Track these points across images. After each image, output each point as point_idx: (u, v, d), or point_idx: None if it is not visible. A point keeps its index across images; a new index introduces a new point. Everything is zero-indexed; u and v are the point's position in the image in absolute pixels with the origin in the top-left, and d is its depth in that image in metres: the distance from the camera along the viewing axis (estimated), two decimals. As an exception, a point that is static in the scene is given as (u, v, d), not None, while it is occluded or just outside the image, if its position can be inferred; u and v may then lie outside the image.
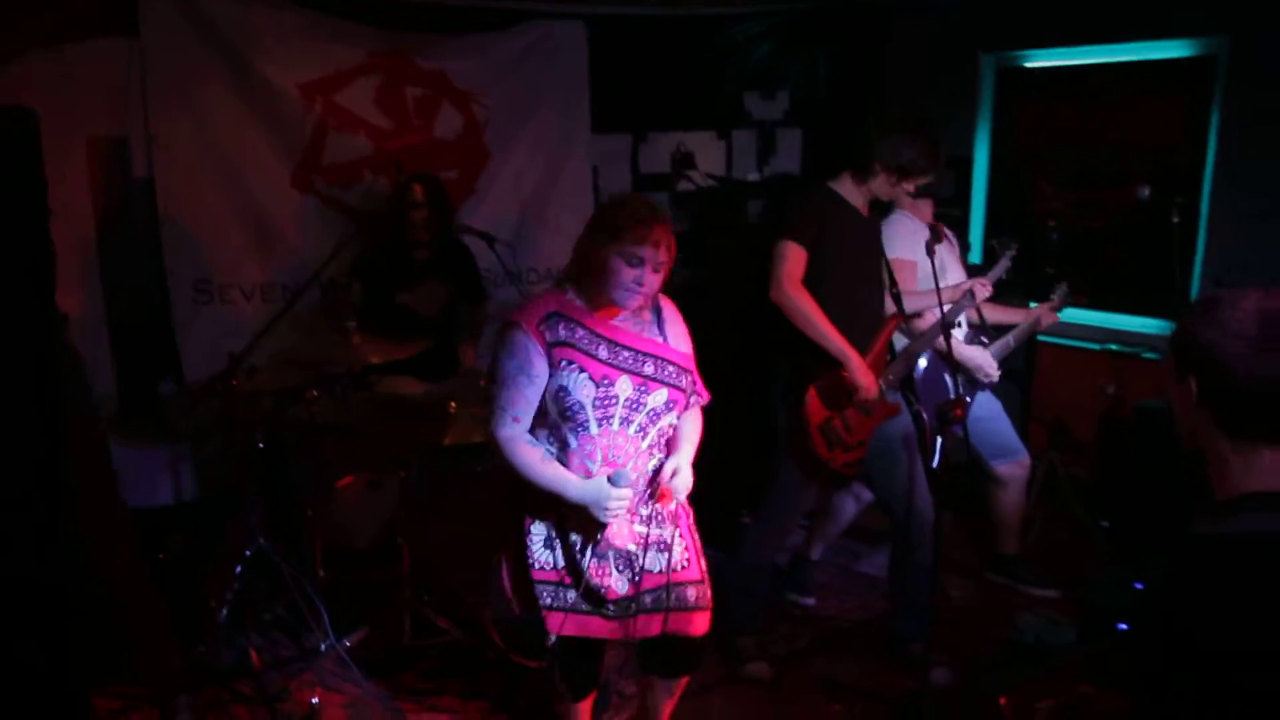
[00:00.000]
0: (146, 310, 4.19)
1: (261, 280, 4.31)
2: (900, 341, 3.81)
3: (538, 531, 2.53)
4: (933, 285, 3.31)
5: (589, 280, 2.46)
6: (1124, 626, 2.76)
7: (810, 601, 4.08)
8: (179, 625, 3.05)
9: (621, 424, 2.46)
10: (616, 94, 5.15)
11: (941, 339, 3.42)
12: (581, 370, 2.41)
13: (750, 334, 3.76)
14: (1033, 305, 4.15)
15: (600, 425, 2.44)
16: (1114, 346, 4.93)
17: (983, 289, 3.64)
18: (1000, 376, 4.09)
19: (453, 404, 3.48)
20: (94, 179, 4.07)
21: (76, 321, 3.70)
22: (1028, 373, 4.99)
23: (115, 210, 4.13)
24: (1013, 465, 4.05)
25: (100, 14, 3.87)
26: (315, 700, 3.18)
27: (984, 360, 3.90)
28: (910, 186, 3.36)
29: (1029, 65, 5.33)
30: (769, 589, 3.75)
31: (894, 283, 3.40)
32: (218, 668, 3.34)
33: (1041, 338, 4.68)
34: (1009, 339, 4.02)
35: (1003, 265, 3.82)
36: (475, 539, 3.36)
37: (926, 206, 3.91)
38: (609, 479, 2.36)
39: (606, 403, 2.43)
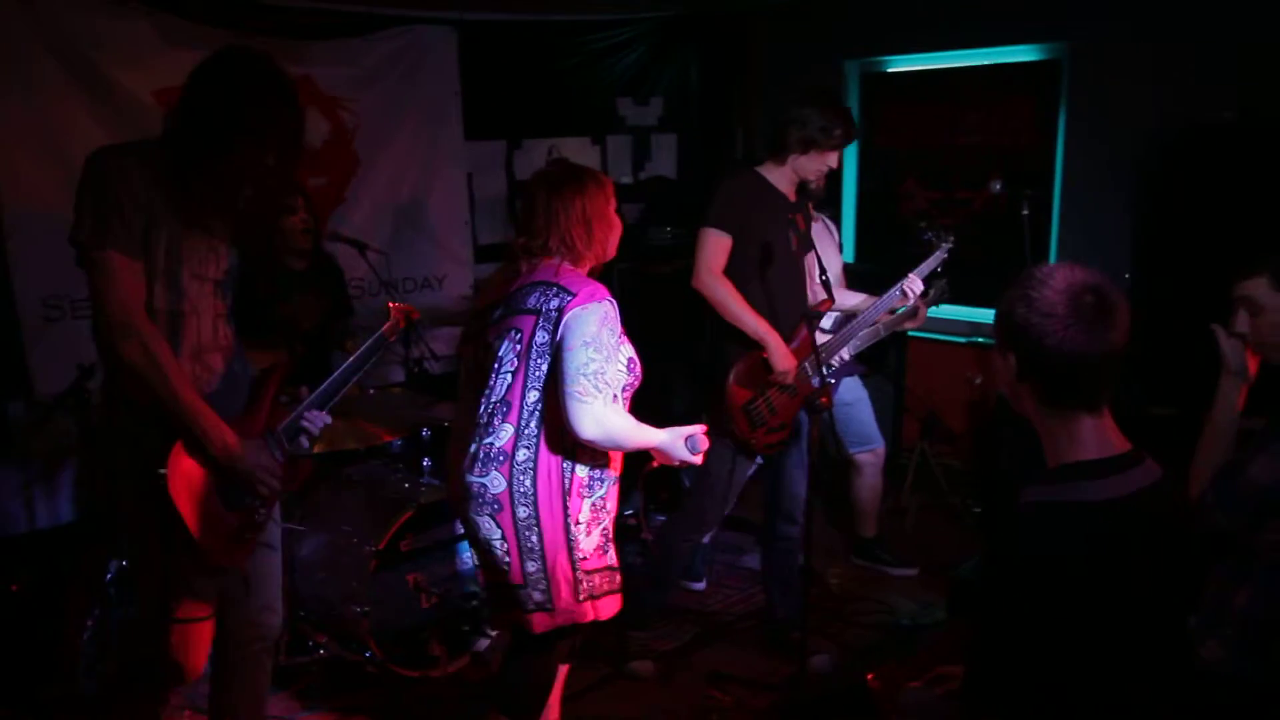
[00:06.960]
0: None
1: (119, 294, 4.12)
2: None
3: (584, 519, 2.45)
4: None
5: (589, 249, 2.44)
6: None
7: (701, 586, 4.14)
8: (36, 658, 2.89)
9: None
10: (490, 101, 5.13)
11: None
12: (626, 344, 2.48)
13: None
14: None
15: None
16: (979, 339, 5.14)
17: (914, 285, 3.64)
18: (867, 369, 4.20)
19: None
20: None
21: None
22: (900, 367, 5.14)
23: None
24: (868, 452, 4.19)
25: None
26: (185, 725, 3.07)
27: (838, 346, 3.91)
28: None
29: (890, 70, 5.52)
30: (676, 578, 3.76)
31: (824, 270, 3.40)
32: (79, 698, 3.18)
33: (912, 333, 4.84)
34: (879, 328, 4.11)
35: (937, 258, 3.80)
36: (350, 547, 3.29)
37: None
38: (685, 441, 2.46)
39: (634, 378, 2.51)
